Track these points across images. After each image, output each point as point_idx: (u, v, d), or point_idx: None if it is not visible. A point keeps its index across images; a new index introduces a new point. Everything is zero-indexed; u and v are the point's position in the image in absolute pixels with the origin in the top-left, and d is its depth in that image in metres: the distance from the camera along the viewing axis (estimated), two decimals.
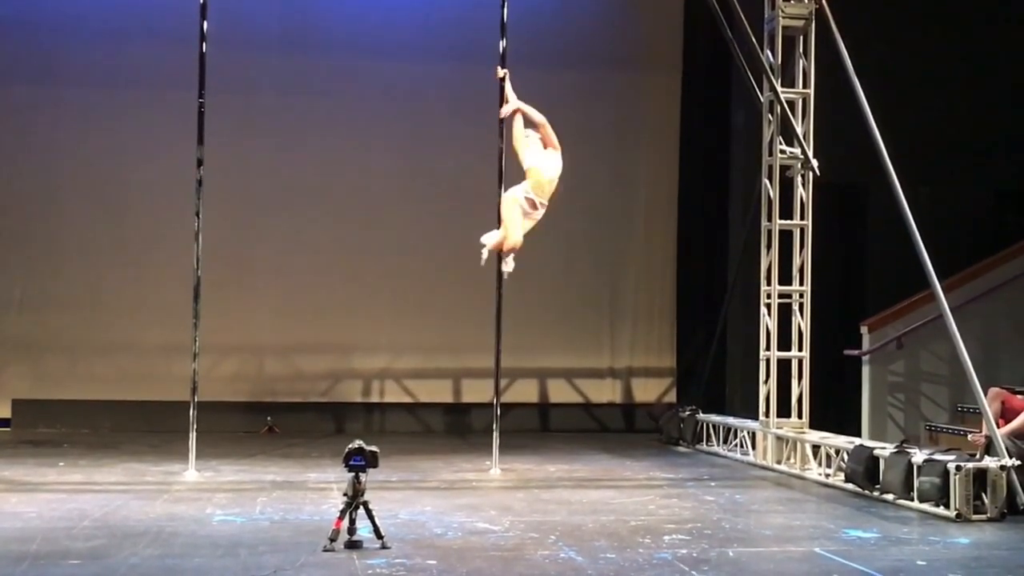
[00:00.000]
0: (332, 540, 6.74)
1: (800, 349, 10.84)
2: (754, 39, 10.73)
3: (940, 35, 13.38)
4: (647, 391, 14.45)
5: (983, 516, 8.11)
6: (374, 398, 13.98)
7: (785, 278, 10.91)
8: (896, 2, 13.29)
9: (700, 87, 14.43)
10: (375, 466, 6.98)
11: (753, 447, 11.28)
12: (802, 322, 10.85)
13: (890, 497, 8.76)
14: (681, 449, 12.50)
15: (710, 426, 12.28)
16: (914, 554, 6.95)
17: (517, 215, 9.14)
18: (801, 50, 10.85)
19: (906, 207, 9.48)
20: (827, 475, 9.84)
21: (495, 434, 10.44)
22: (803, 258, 10.87)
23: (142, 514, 7.94)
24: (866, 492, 9.01)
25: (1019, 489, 8.23)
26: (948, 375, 11.74)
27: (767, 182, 10.95)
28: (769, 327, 10.92)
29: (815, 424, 10.84)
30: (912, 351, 11.90)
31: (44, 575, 6.17)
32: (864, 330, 12.05)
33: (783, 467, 10.55)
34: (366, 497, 6.88)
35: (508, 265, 9.34)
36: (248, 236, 13.57)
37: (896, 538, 7.47)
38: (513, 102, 9.51)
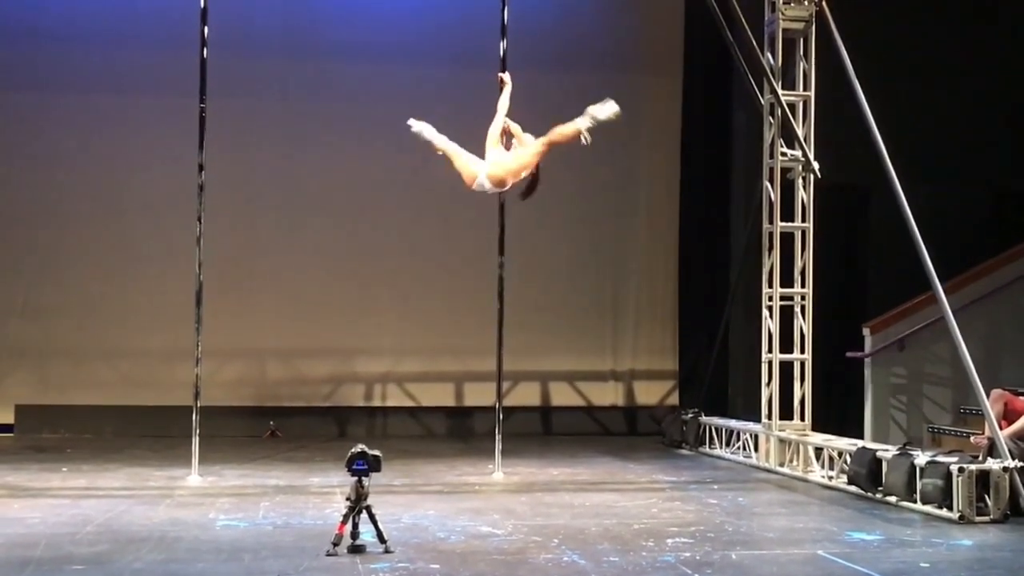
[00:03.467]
0: (335, 544, 6.75)
1: (802, 351, 10.84)
2: (754, 41, 10.73)
3: (940, 36, 13.39)
4: (649, 394, 14.43)
5: (986, 518, 8.11)
6: (376, 402, 13.97)
7: (787, 280, 10.91)
8: (896, 3, 13.30)
9: (700, 89, 14.42)
10: (378, 470, 6.98)
11: (756, 450, 11.27)
12: (804, 324, 10.85)
13: (893, 499, 8.76)
14: (684, 452, 12.49)
15: (712, 429, 12.27)
16: (917, 556, 6.96)
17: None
18: (801, 52, 10.85)
19: (907, 208, 9.48)
20: (830, 477, 9.84)
21: (497, 437, 10.43)
22: (805, 260, 10.87)
23: (145, 519, 7.94)
24: (869, 494, 9.01)
25: (1022, 491, 8.23)
26: (950, 377, 11.73)
27: (768, 184, 10.95)
28: (771, 329, 10.92)
29: (817, 426, 10.84)
30: (914, 353, 11.90)
31: None
32: (866, 332, 12.05)
33: (786, 470, 10.54)
34: (369, 501, 6.88)
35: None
36: (250, 240, 13.58)
37: (899, 540, 7.47)
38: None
